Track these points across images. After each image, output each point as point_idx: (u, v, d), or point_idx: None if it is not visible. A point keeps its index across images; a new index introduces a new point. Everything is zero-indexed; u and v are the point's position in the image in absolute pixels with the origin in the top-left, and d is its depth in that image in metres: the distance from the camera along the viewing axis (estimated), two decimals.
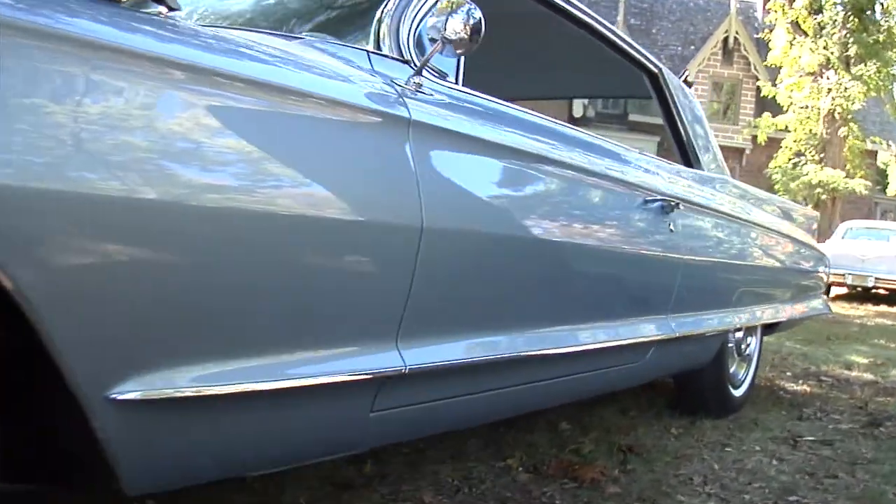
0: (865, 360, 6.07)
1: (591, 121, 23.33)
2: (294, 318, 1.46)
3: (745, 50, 24.99)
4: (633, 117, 24.04)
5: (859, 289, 13.24)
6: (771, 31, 20.52)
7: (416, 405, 1.77)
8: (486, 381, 1.94)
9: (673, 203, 2.65)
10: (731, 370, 3.71)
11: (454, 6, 1.68)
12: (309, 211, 1.42)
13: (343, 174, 1.50)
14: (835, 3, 18.94)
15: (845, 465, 2.98)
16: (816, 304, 4.68)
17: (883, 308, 11.87)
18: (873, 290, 13.21)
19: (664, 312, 2.72)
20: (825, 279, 4.94)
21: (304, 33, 1.82)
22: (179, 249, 1.25)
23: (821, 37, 18.75)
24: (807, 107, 19.04)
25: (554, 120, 2.26)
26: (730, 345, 3.61)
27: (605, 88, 4.82)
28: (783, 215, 4.16)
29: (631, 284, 2.55)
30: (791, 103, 19.32)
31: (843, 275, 12.76)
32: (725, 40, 25.26)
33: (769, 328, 4.17)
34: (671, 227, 2.64)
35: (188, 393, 1.29)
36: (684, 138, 3.22)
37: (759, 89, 21.37)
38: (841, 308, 11.50)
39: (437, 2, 1.81)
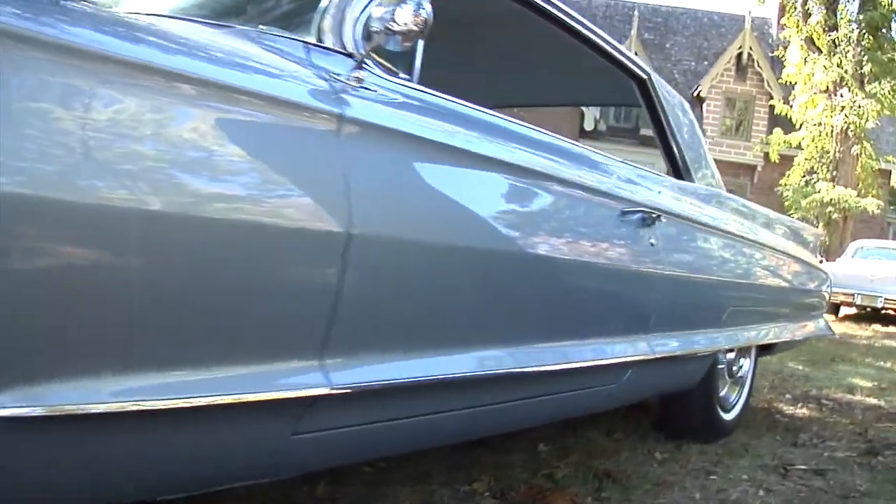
0: (869, 384, 5.87)
1: (602, 134, 23.22)
2: (202, 330, 1.31)
3: (759, 66, 24.86)
4: (644, 132, 23.83)
5: (868, 309, 13.01)
6: (785, 48, 20.38)
7: (348, 428, 1.62)
8: (429, 403, 1.78)
9: (654, 215, 2.48)
10: (722, 393, 3.54)
11: None
12: (222, 213, 1.28)
13: (263, 174, 1.35)
14: (850, 21, 18.81)
15: (836, 498, 2.80)
16: (817, 324, 4.51)
17: (892, 329, 11.63)
18: (883, 311, 12.98)
19: (643, 332, 2.55)
20: (827, 299, 4.76)
21: (238, 24, 1.67)
22: (68, 252, 1.11)
23: (835, 54, 18.61)
24: (820, 124, 18.88)
25: (522, 123, 2.10)
26: (720, 366, 3.45)
27: (592, 96, 4.63)
28: (782, 232, 3.99)
29: (604, 301, 2.38)
30: (805, 120, 19.16)
31: (853, 294, 12.57)
32: (739, 56, 25.15)
33: (765, 349, 4.00)
34: (652, 240, 2.48)
35: (78, 410, 1.15)
36: (674, 148, 3.05)
37: (772, 107, 21.21)
38: (848, 328, 11.31)
39: None
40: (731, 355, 3.54)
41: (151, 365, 1.24)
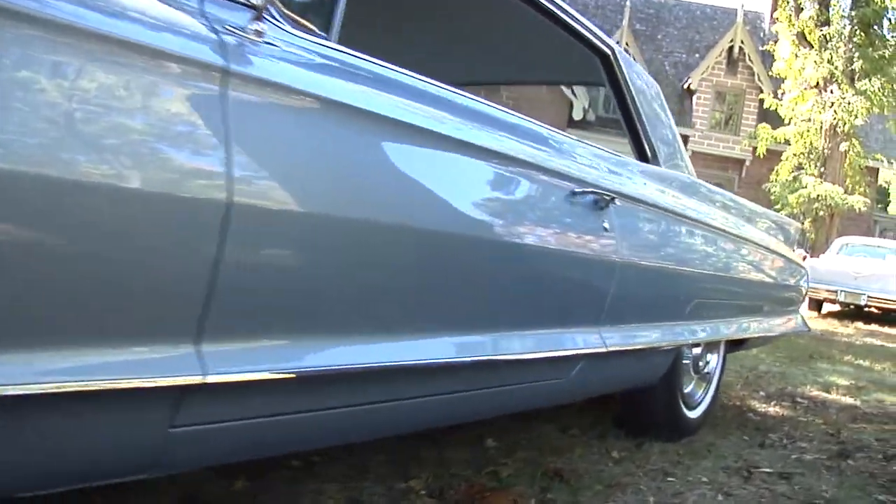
0: (847, 382, 5.72)
1: (590, 124, 23.05)
2: (64, 308, 1.13)
3: (750, 60, 24.70)
4: None
5: (852, 306, 12.91)
6: (776, 41, 20.25)
7: (235, 422, 1.43)
8: (336, 396, 1.59)
9: (608, 197, 2.29)
10: (687, 389, 3.36)
11: None
12: (86, 177, 1.09)
13: (134, 133, 1.16)
14: (842, 17, 18.71)
15: None
16: (792, 320, 4.33)
17: (874, 327, 11.52)
18: (866, 309, 12.88)
19: (595, 324, 2.36)
20: (803, 294, 4.59)
21: None
22: None
23: (826, 49, 18.53)
24: (809, 120, 18.80)
25: (459, 91, 1.90)
26: (685, 361, 3.27)
27: (555, 74, 4.31)
28: (756, 223, 3.79)
29: (550, 288, 2.18)
30: (794, 116, 19.08)
31: (836, 291, 12.47)
32: (731, 49, 24.99)
33: (736, 345, 3.83)
34: (605, 224, 2.29)
35: None
36: (639, 129, 2.85)
37: (762, 101, 21.11)
38: (830, 325, 11.19)
39: None
40: (697, 350, 3.36)
41: (7, 346, 1.06)
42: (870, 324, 12.00)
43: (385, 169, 1.61)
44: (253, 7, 1.41)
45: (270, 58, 1.40)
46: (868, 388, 5.53)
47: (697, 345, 3.30)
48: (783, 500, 2.65)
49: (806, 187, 18.52)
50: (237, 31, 1.35)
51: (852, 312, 13.22)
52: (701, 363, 3.42)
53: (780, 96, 19.78)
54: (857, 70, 18.40)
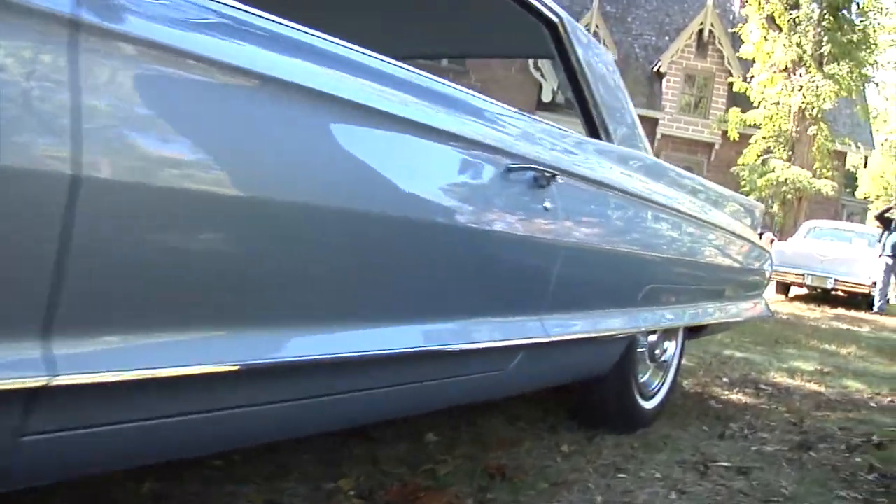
0: (812, 367, 5.61)
1: (559, 106, 22.87)
2: None
3: (720, 43, 24.61)
4: None
5: (819, 290, 12.89)
6: (745, 23, 20.18)
7: (104, 427, 1.23)
8: (228, 395, 1.39)
9: (548, 174, 2.08)
10: (643, 379, 3.19)
11: None
12: None
13: None
14: (811, 0, 18.64)
15: (756, 502, 2.47)
16: (754, 305, 4.17)
17: (840, 311, 11.50)
18: (833, 292, 12.87)
19: (536, 311, 2.16)
20: (767, 278, 4.44)
21: None
22: None
23: (795, 33, 18.48)
24: (778, 103, 18.77)
25: (373, 55, 1.68)
26: (641, 349, 3.09)
27: (502, 47, 3.98)
28: (717, 203, 3.62)
29: (484, 273, 1.97)
30: (763, 99, 19.04)
31: (803, 275, 12.44)
32: (700, 33, 24.87)
33: (695, 331, 3.67)
34: (546, 203, 2.08)
35: None
36: (588, 102, 2.64)
37: (731, 85, 21.05)
38: (797, 309, 11.15)
39: None
40: (653, 338, 3.18)
41: None
42: (836, 307, 11.98)
43: (272, 137, 1.38)
44: None
45: (134, 9, 1.19)
46: (833, 374, 5.43)
47: (654, 332, 3.13)
48: (740, 498, 2.48)
49: (774, 171, 18.50)
50: None
51: (819, 296, 13.21)
52: (658, 351, 3.25)
53: (749, 80, 19.72)
54: (825, 54, 18.38)
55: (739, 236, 3.75)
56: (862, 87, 20.32)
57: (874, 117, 30.66)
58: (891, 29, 19.39)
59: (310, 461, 2.37)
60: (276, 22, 1.45)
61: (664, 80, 24.91)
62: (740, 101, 20.66)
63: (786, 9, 18.57)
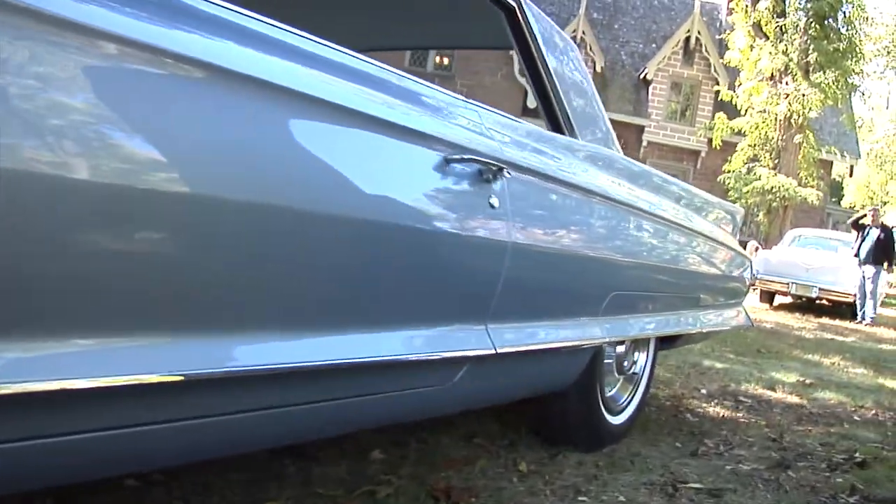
0: (793, 379, 5.41)
1: None
2: None
3: (707, 51, 24.54)
4: None
5: (803, 298, 12.74)
6: (732, 30, 20.11)
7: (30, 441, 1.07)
8: (149, 409, 1.20)
9: (494, 168, 1.87)
10: (610, 393, 2.98)
11: None
12: None
13: None
14: (798, 9, 18.61)
15: None
16: (733, 314, 3.96)
17: (825, 320, 11.32)
18: (817, 301, 12.72)
19: (480, 320, 1.93)
20: (747, 286, 4.24)
21: None
22: None
23: (781, 41, 18.43)
24: (764, 111, 18.70)
25: (304, 35, 1.47)
26: (607, 361, 2.88)
27: (461, 37, 3.72)
28: (692, 206, 3.40)
29: (419, 278, 1.75)
30: (749, 107, 18.96)
31: (788, 283, 12.28)
32: (687, 40, 24.80)
33: (669, 341, 3.46)
34: (493, 200, 1.87)
35: None
36: (550, 94, 2.43)
37: (718, 93, 20.97)
38: (781, 318, 10.98)
39: None
40: (621, 348, 2.97)
41: None
42: (821, 317, 11.81)
43: (188, 122, 1.20)
44: None
45: None
46: (815, 386, 5.23)
47: (621, 342, 2.91)
48: None
49: (760, 179, 18.39)
50: None
51: (804, 305, 13.05)
52: (626, 363, 3.03)
53: (735, 88, 19.64)
54: (811, 62, 18.32)
55: (717, 242, 3.54)
56: (848, 96, 20.27)
57: (860, 127, 30.61)
58: (876, 38, 19.36)
59: (237, 481, 2.15)
60: (217, 5, 1.29)
61: (651, 88, 24.81)
62: (727, 108, 20.59)
63: (772, 17, 18.49)
